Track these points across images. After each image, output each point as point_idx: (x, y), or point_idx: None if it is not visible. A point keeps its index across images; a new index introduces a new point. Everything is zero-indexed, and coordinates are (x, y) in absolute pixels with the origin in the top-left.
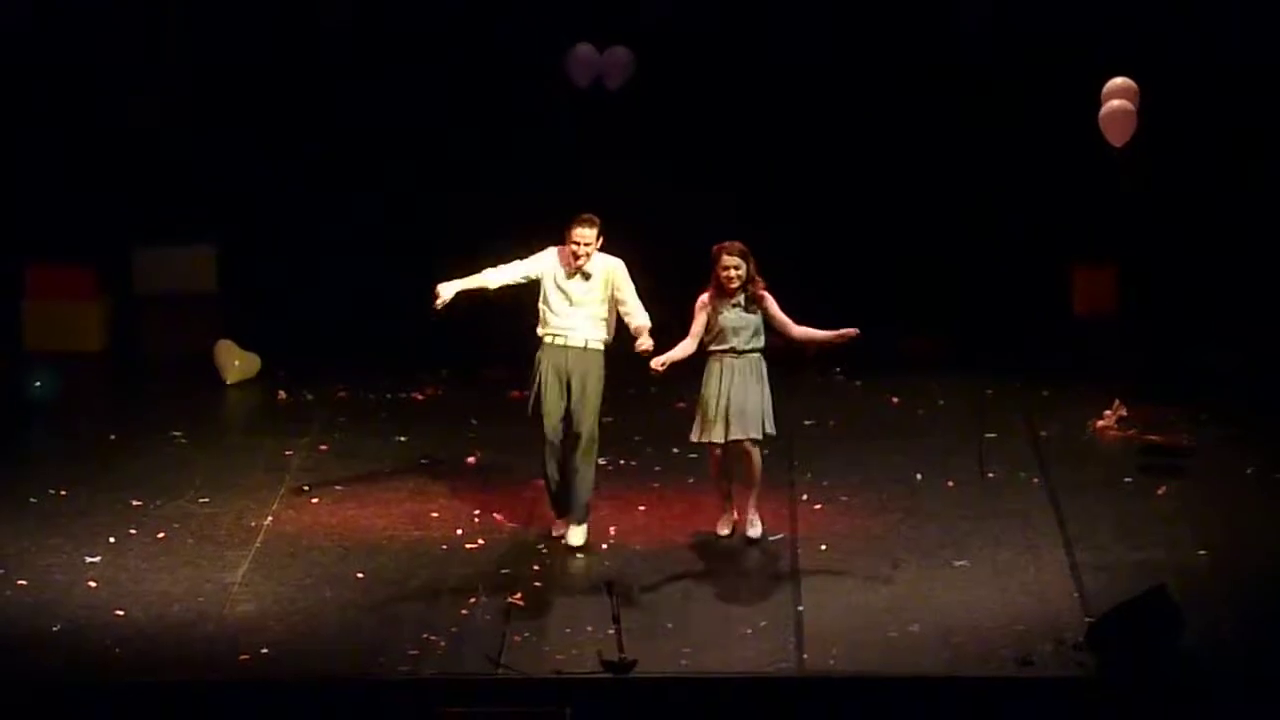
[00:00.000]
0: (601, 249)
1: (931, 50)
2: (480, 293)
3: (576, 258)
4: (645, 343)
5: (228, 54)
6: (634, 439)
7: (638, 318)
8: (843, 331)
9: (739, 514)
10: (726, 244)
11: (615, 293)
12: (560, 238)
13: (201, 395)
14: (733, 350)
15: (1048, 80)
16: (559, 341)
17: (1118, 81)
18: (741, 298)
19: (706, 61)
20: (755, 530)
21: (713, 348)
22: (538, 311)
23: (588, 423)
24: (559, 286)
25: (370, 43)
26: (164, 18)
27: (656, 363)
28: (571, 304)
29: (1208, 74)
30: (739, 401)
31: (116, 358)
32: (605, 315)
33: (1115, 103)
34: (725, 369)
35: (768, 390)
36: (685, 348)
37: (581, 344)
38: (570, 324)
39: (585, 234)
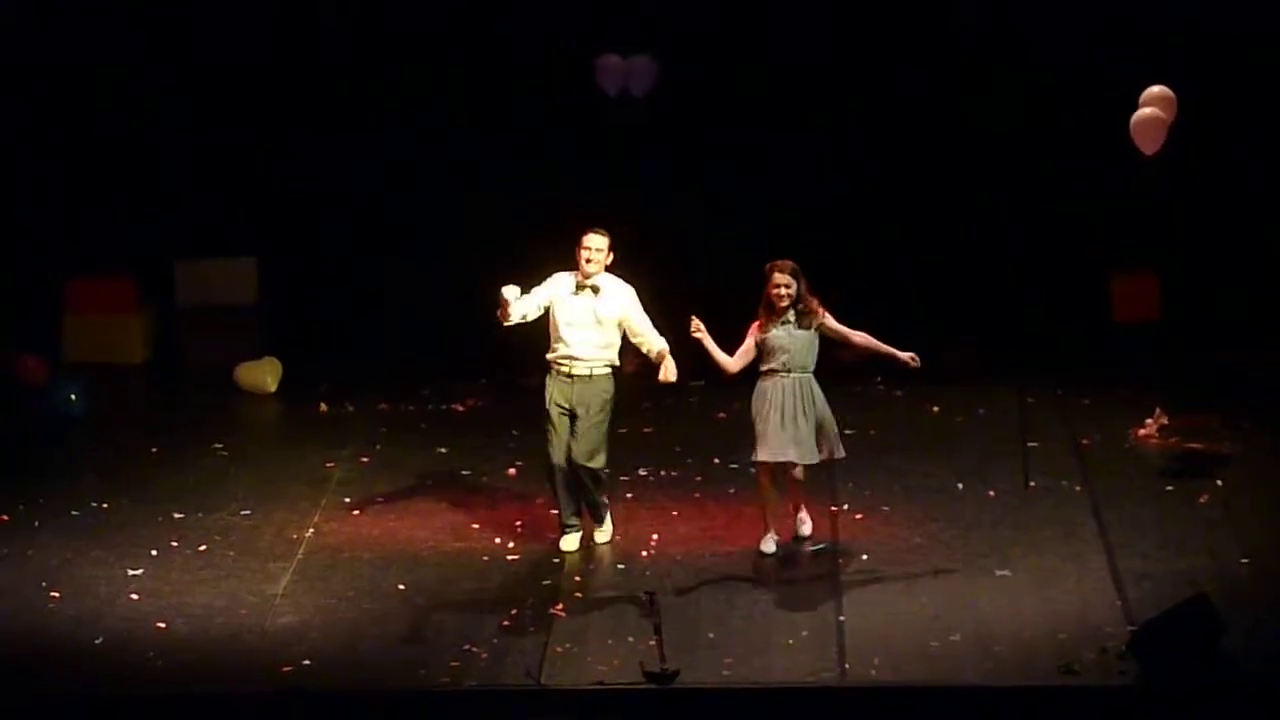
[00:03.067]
0: (610, 269)
1: (970, 57)
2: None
3: (588, 262)
4: (668, 373)
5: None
6: (674, 449)
7: (655, 343)
8: (905, 355)
9: (790, 518)
10: (779, 262)
11: (627, 323)
12: (570, 260)
13: (243, 407)
14: (783, 369)
15: (1088, 86)
16: (564, 370)
17: (1154, 90)
18: (791, 315)
19: (717, 65)
20: (806, 528)
21: (763, 367)
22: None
23: (591, 440)
24: (568, 304)
25: (371, 41)
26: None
27: (696, 328)
28: (581, 323)
29: (1251, 78)
30: (790, 424)
31: (158, 370)
32: (613, 339)
33: (1147, 110)
34: (774, 388)
35: (829, 412)
36: (725, 360)
37: (586, 373)
38: (576, 352)
39: (595, 240)
